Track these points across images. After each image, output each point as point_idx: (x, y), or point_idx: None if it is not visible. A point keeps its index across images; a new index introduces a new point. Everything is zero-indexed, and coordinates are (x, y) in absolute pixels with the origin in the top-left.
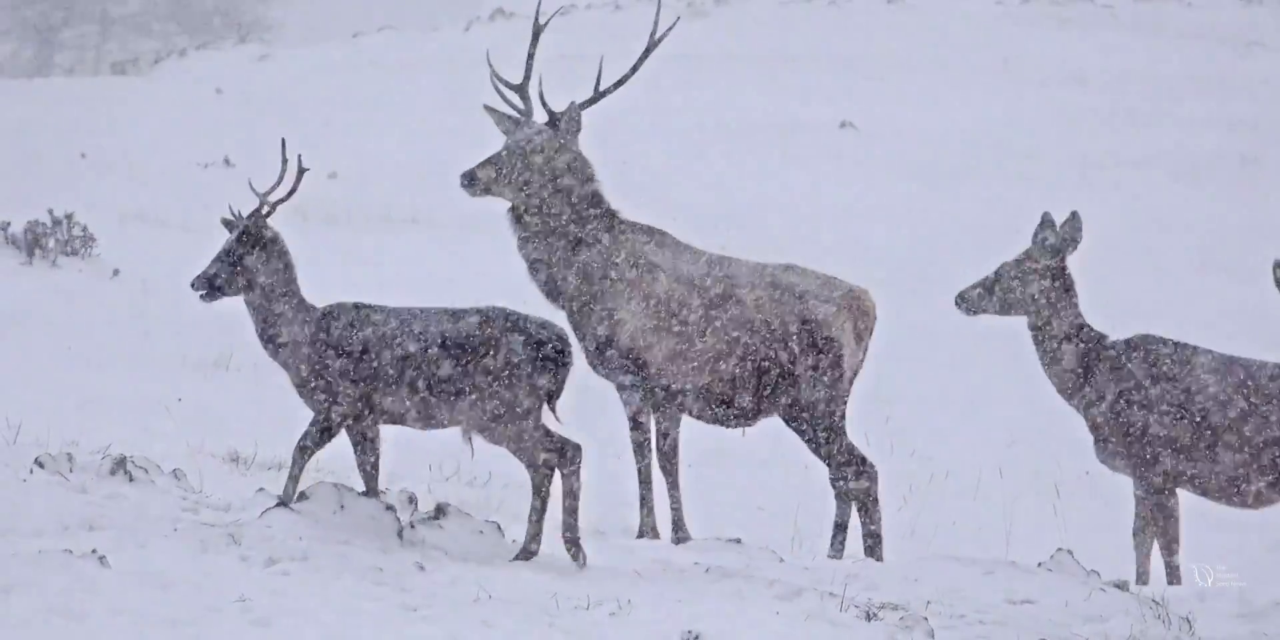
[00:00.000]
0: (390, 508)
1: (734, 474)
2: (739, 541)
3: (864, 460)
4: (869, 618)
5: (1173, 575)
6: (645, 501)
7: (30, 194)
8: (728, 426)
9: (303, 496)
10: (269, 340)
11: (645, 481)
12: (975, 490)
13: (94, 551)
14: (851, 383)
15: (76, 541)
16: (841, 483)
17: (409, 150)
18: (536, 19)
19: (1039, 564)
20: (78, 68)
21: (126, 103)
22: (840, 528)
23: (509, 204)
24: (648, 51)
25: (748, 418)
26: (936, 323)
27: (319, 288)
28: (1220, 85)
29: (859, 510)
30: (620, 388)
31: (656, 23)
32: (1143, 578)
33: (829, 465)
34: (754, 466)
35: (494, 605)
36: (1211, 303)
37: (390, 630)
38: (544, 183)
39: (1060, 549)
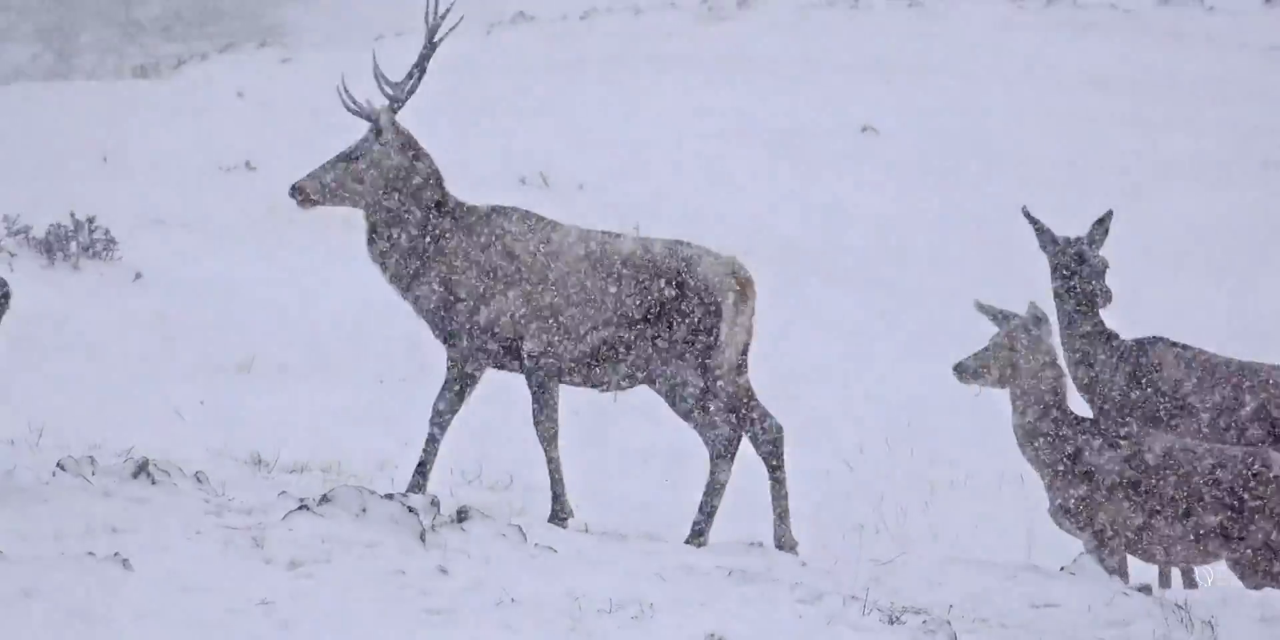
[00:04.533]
0: (412, 511)
1: (754, 478)
2: (761, 545)
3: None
4: (892, 622)
5: (1190, 580)
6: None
7: (52, 197)
8: (602, 391)
9: (325, 499)
10: None
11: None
12: (996, 494)
13: (116, 554)
14: (737, 355)
15: (99, 544)
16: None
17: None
18: (427, 17)
19: (1061, 568)
20: (99, 71)
21: (148, 106)
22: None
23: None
24: (429, 50)
25: (623, 384)
26: (956, 328)
27: (333, 288)
28: (1242, 90)
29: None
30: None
31: (431, 16)
32: (1164, 582)
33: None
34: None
35: (516, 609)
36: (1228, 306)
37: (412, 633)
38: (375, 188)
39: (1082, 553)
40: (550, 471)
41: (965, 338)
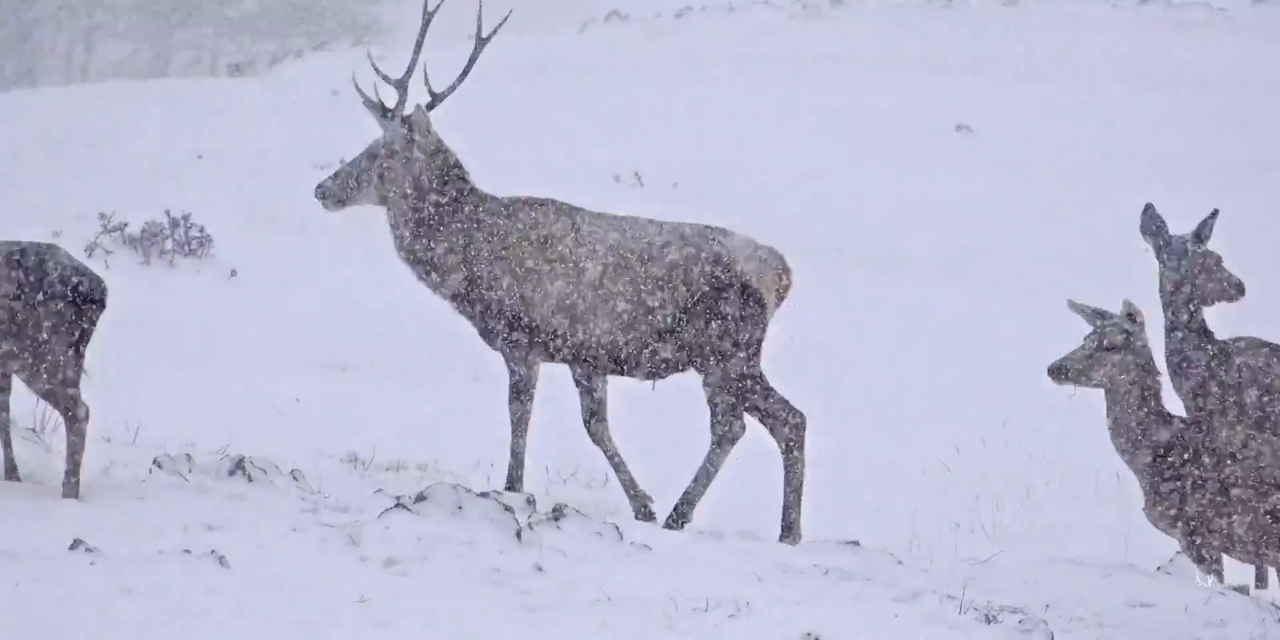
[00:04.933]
0: (509, 509)
1: (850, 475)
2: (857, 543)
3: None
4: (988, 620)
5: None
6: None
7: (147, 195)
8: (641, 380)
9: (421, 497)
10: None
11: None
12: (1093, 493)
13: (213, 552)
14: (761, 343)
15: (196, 542)
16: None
17: (522, 153)
18: (425, 6)
19: (1158, 568)
20: (194, 69)
21: (243, 104)
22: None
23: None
24: (478, 50)
25: (661, 372)
26: (1054, 327)
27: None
28: None
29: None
30: (518, 360)
31: (480, 21)
32: (1261, 582)
33: (719, 416)
34: (869, 469)
35: (613, 607)
36: None
37: (509, 631)
38: (403, 185)
39: (1178, 553)
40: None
41: (1062, 337)
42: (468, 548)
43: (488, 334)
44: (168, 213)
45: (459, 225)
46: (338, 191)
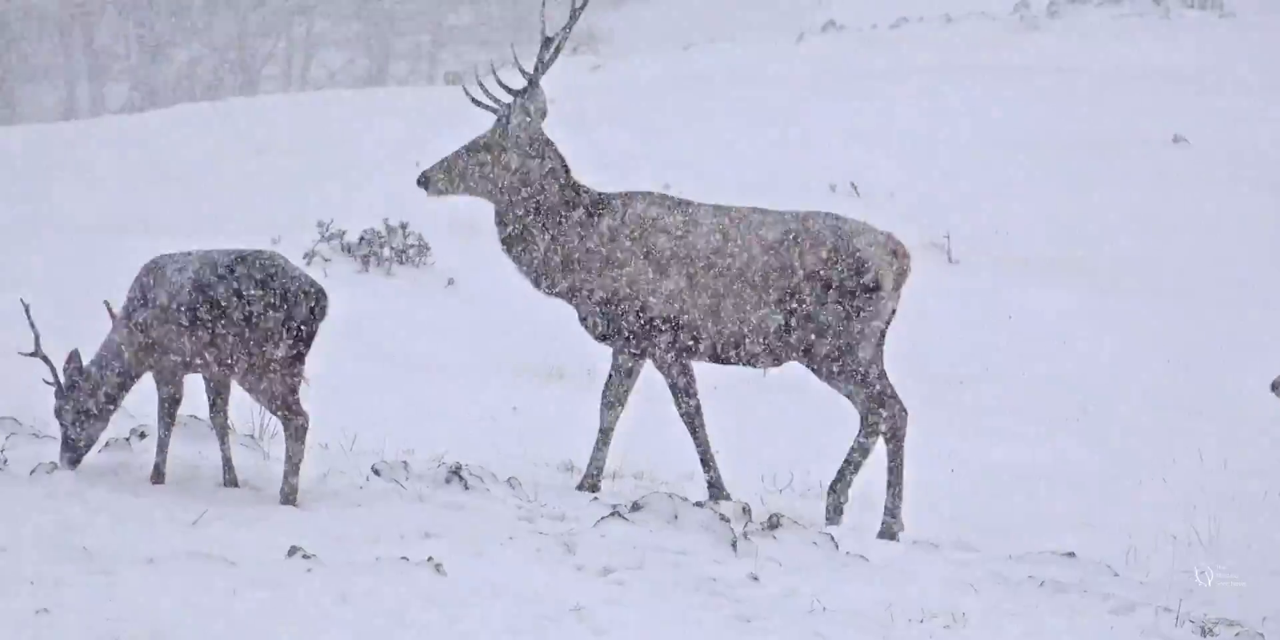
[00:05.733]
0: (724, 518)
1: (1063, 487)
2: (1072, 555)
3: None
4: (1205, 633)
5: None
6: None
7: (365, 203)
8: (753, 368)
9: (636, 506)
10: None
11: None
12: None
13: (430, 559)
14: (882, 330)
15: (412, 550)
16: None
17: (735, 163)
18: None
19: None
20: (411, 77)
21: (459, 112)
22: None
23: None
24: (561, 41)
25: (779, 359)
26: (1275, 340)
27: None
28: None
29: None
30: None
31: (544, 18)
32: None
33: (858, 404)
34: (1083, 480)
35: (828, 617)
36: None
37: None
38: (503, 178)
39: None
40: (700, 454)
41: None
42: (682, 557)
43: (602, 331)
44: (385, 221)
45: (565, 221)
46: (439, 181)
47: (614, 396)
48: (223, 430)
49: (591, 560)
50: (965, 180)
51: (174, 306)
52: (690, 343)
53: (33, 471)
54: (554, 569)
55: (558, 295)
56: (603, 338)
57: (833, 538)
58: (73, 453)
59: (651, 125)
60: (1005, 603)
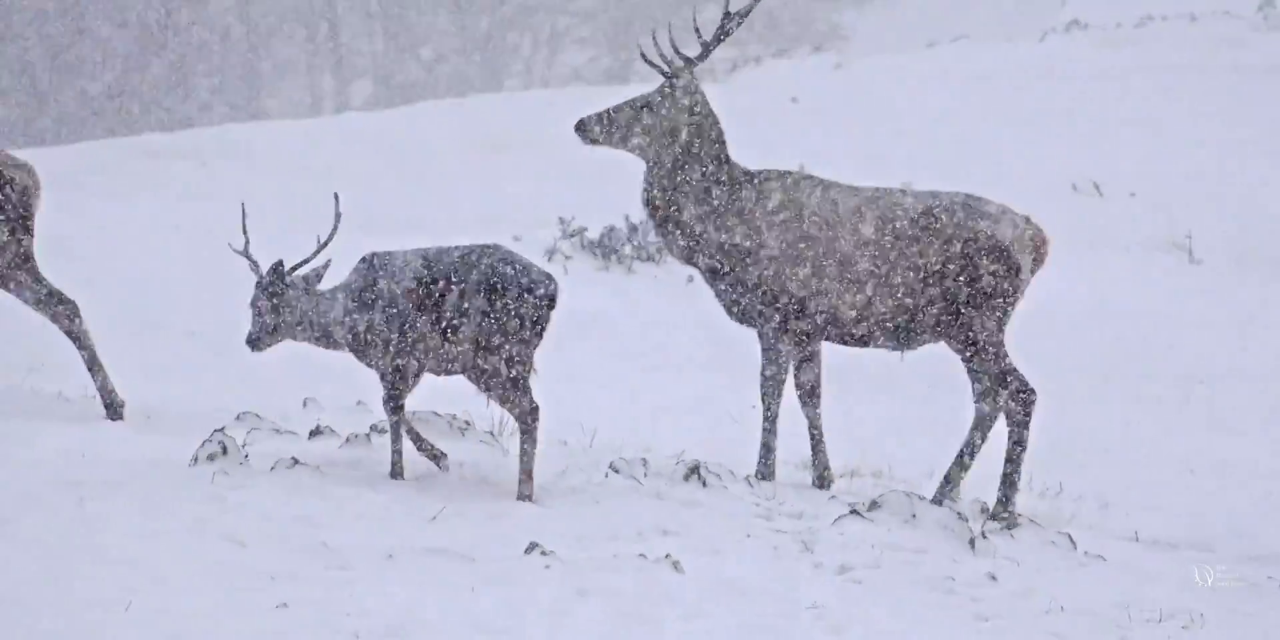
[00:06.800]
0: (963, 517)
1: (1248, 483)
2: None
3: (1024, 383)
4: None
5: None
6: (768, 445)
7: (607, 200)
8: (891, 350)
9: (874, 505)
10: None
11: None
12: None
13: (668, 556)
14: (1012, 310)
15: (650, 547)
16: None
17: (979, 161)
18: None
19: None
20: (654, 74)
21: None
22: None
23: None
24: (734, 20)
25: (916, 341)
26: None
27: None
28: None
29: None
30: (770, 334)
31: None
32: None
33: (984, 384)
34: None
35: (1065, 617)
36: None
37: None
38: (660, 137)
39: None
40: (811, 433)
41: None
42: (920, 555)
43: (741, 310)
44: (626, 218)
45: (712, 191)
46: (595, 130)
47: (770, 385)
48: (397, 426)
49: (829, 558)
50: (1208, 179)
51: (400, 300)
52: (831, 323)
53: (273, 467)
54: (791, 567)
55: (700, 269)
56: (742, 319)
57: (1070, 537)
58: (251, 344)
59: (896, 124)
60: (1243, 604)
